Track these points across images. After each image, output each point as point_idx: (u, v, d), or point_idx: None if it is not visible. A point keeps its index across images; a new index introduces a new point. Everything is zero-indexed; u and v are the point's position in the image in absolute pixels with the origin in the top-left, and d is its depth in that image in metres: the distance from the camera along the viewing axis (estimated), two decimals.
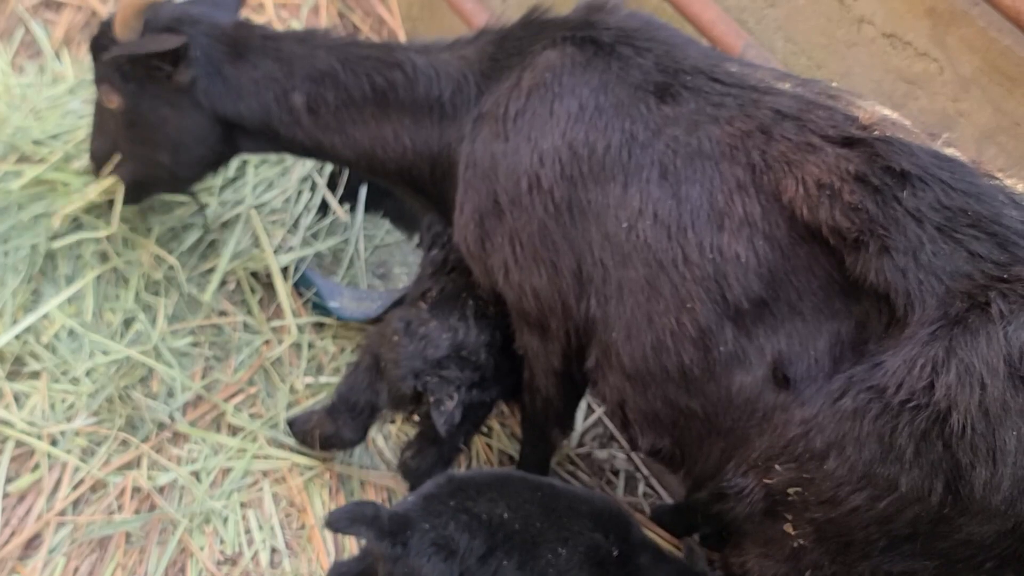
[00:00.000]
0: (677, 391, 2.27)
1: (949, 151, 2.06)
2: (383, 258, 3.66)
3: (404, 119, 2.71)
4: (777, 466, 2.10)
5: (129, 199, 3.13)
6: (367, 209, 3.66)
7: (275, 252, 3.40)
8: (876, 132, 2.08)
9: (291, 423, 3.04)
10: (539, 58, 2.49)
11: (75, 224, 3.28)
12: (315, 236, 3.54)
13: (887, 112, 2.17)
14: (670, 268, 2.21)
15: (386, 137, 2.74)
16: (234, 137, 2.92)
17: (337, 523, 2.34)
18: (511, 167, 2.44)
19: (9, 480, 2.97)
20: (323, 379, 3.27)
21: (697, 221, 2.19)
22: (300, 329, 3.33)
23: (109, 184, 3.09)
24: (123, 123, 2.92)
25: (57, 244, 3.20)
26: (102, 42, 2.85)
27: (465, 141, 2.58)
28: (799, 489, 2.06)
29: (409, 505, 2.45)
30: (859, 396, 1.96)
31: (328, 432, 2.88)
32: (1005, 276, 1.90)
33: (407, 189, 2.88)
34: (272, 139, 2.89)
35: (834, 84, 2.74)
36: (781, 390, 2.12)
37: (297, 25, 4.15)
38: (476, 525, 2.41)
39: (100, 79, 2.89)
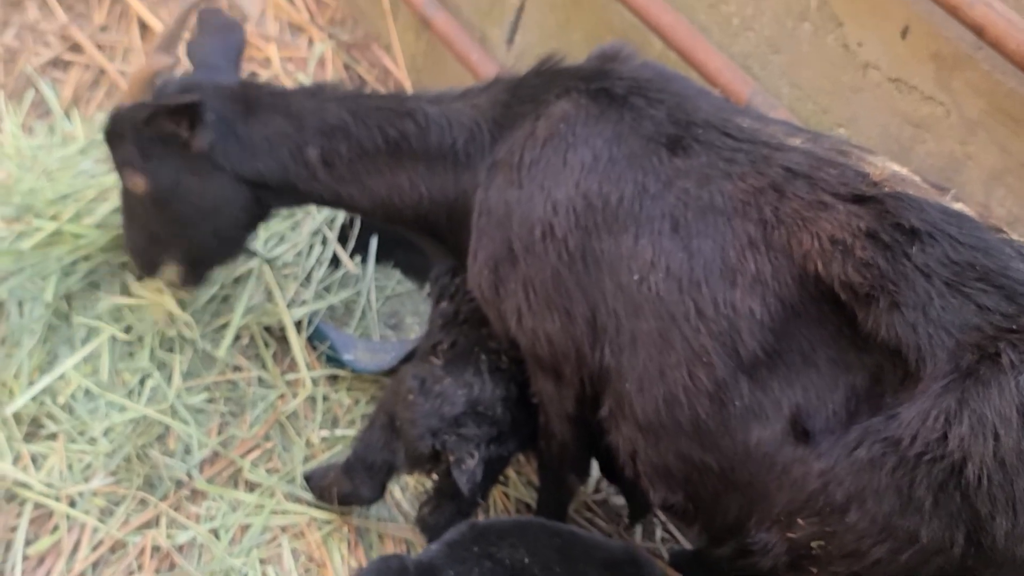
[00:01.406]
0: (690, 445, 2.27)
1: (957, 206, 2.09)
2: (395, 308, 3.67)
3: (418, 167, 2.72)
4: (800, 520, 2.10)
5: (188, 282, 3.16)
6: (378, 260, 3.68)
7: (288, 306, 3.41)
8: (886, 189, 2.10)
9: (308, 478, 3.04)
10: (553, 108, 2.52)
11: (90, 282, 3.30)
12: (327, 289, 3.56)
13: (897, 167, 2.20)
14: (682, 322, 2.22)
15: (402, 185, 2.75)
16: (261, 195, 2.93)
17: None
18: (525, 215, 2.46)
19: (28, 543, 2.97)
20: (339, 432, 3.27)
21: (710, 276, 2.20)
22: (314, 382, 3.34)
23: (162, 280, 3.16)
24: (152, 205, 2.93)
25: (78, 320, 3.25)
26: (116, 130, 2.88)
27: (479, 189, 2.60)
28: (822, 542, 2.07)
29: (434, 553, 2.47)
30: (874, 447, 1.97)
31: (345, 490, 2.88)
32: (1014, 327, 1.92)
33: (426, 237, 2.90)
34: (295, 193, 2.91)
35: (842, 131, 2.78)
36: (800, 443, 2.12)
37: (304, 78, 4.19)
38: (499, 570, 2.42)
39: (121, 164, 2.92)
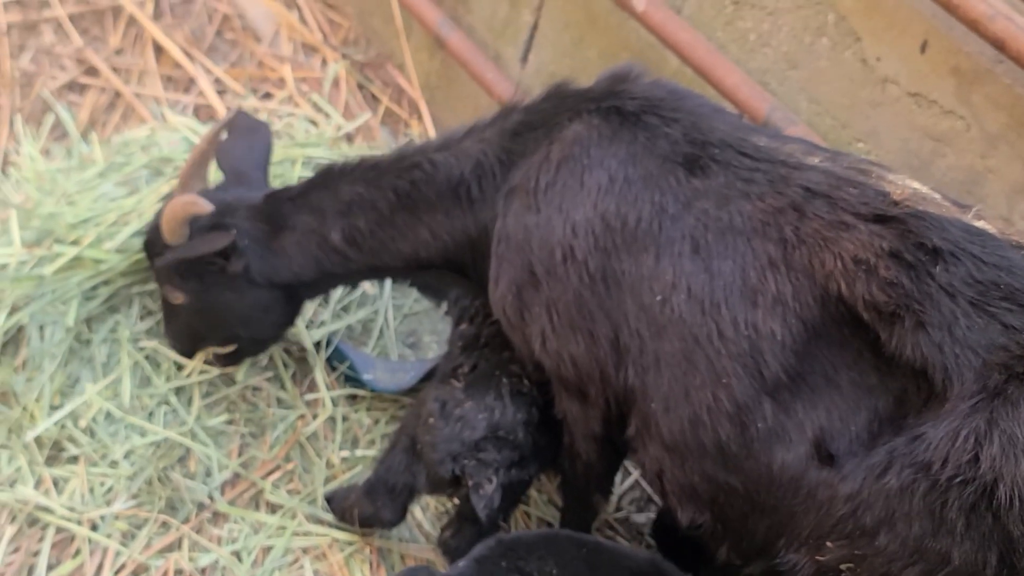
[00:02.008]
0: (715, 467, 2.26)
1: (979, 224, 2.08)
2: (413, 327, 3.68)
3: (436, 216, 2.75)
4: (829, 543, 2.09)
5: (227, 364, 3.27)
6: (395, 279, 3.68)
7: (307, 326, 3.42)
8: (908, 208, 2.10)
9: (329, 499, 3.04)
10: (566, 131, 2.51)
11: (110, 306, 3.30)
12: (345, 309, 3.57)
13: (917, 186, 2.19)
14: (705, 343, 2.22)
15: (424, 239, 2.78)
16: (296, 293, 3.05)
17: None
18: (544, 238, 2.46)
19: (51, 567, 2.97)
20: (359, 452, 3.26)
21: (730, 297, 2.20)
22: (334, 402, 3.34)
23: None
24: (192, 314, 3.06)
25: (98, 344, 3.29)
26: (155, 248, 2.99)
27: (498, 217, 2.61)
28: (852, 565, 2.06)
29: (462, 569, 2.47)
30: (904, 472, 1.96)
31: (367, 513, 2.87)
32: None
33: (455, 277, 2.93)
34: (332, 279, 3.03)
35: (861, 146, 2.78)
36: (824, 466, 2.11)
37: (318, 99, 4.20)
38: None
39: (161, 281, 3.04)
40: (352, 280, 3.12)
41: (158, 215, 2.99)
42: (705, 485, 2.30)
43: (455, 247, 2.77)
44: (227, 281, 2.93)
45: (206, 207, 2.85)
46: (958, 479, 1.89)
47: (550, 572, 2.45)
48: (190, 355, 3.27)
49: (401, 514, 2.88)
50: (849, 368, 2.12)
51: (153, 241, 3.01)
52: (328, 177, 2.89)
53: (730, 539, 2.38)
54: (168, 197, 3.04)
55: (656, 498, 3.29)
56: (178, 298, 3.01)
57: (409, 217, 2.77)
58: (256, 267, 2.91)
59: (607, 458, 2.73)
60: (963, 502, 1.89)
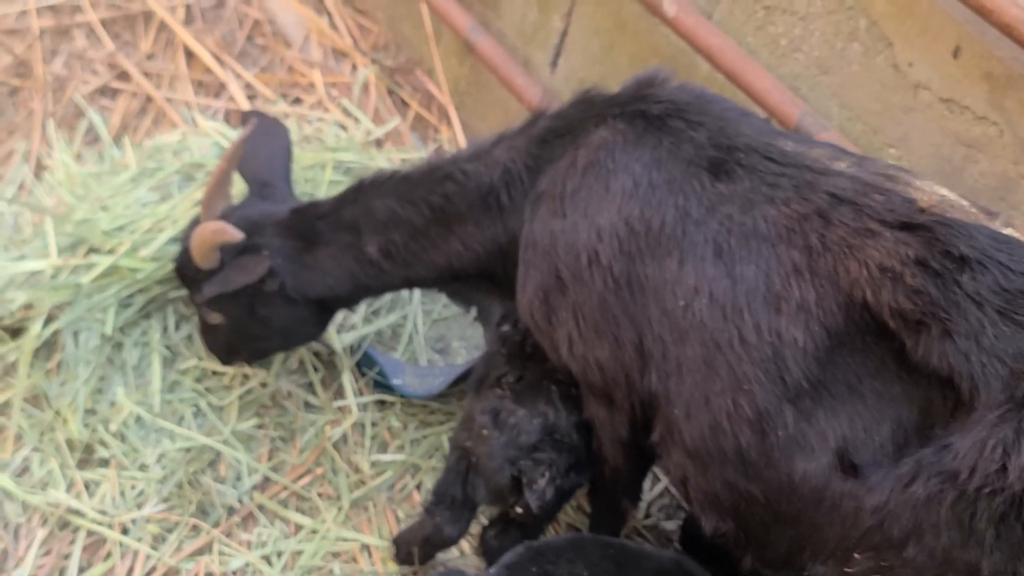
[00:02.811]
0: (736, 474, 2.25)
1: (1007, 231, 2.06)
2: (441, 332, 3.68)
3: (467, 226, 2.76)
4: (856, 555, 2.08)
5: (253, 362, 3.36)
6: None
7: (337, 331, 3.43)
8: (935, 215, 2.08)
9: (396, 543, 2.98)
10: (592, 136, 2.52)
11: (143, 312, 3.33)
12: (375, 314, 3.57)
13: (945, 192, 2.17)
14: (726, 349, 2.21)
15: (457, 250, 2.80)
16: (330, 305, 3.09)
17: None
18: (570, 243, 2.46)
19: (82, 570, 3.00)
20: (388, 456, 3.27)
21: (753, 303, 2.19)
22: (363, 407, 3.35)
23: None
24: (228, 331, 3.10)
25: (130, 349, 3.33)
26: (188, 273, 3.03)
27: (525, 223, 2.61)
28: None
29: (494, 574, 2.48)
30: (931, 482, 1.94)
31: (428, 532, 2.83)
32: None
33: (488, 285, 2.94)
34: (366, 292, 3.05)
35: (893, 152, 2.76)
36: (848, 477, 2.09)
37: (348, 104, 4.21)
38: None
39: (196, 303, 3.08)
40: (385, 291, 3.14)
41: (186, 239, 3.01)
42: (727, 493, 2.29)
43: (487, 256, 2.78)
44: (263, 299, 2.96)
45: (236, 235, 2.86)
46: (986, 489, 1.87)
47: (579, 575, 2.45)
48: (229, 364, 3.32)
49: (462, 529, 2.84)
50: (873, 377, 2.11)
51: (185, 266, 3.03)
52: (359, 193, 2.91)
53: (753, 548, 2.37)
54: (196, 218, 3.05)
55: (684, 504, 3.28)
56: (214, 319, 3.06)
57: (442, 229, 2.79)
58: (291, 284, 2.94)
59: (634, 463, 2.72)
60: (992, 512, 1.88)
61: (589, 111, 2.59)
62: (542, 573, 2.45)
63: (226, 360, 3.27)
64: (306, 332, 3.16)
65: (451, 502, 2.79)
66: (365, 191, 2.90)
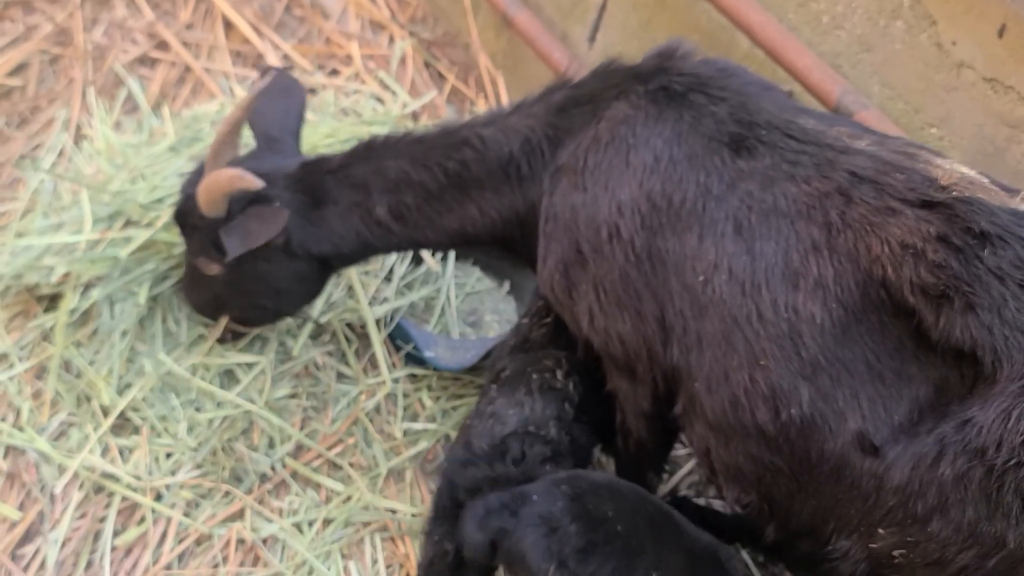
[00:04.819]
0: (758, 447, 2.25)
1: None
2: (474, 306, 3.68)
3: (485, 193, 2.74)
4: (880, 530, 2.08)
5: (238, 334, 3.34)
6: (457, 257, 3.69)
7: (370, 303, 3.44)
8: (955, 193, 2.07)
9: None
10: (613, 110, 2.51)
11: (178, 283, 3.35)
12: (408, 287, 3.58)
13: (965, 170, 2.15)
14: (744, 324, 2.21)
15: (473, 216, 2.78)
16: (330, 264, 3.02)
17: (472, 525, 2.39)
18: (591, 217, 2.47)
19: (116, 534, 3.04)
20: (419, 425, 3.29)
21: (772, 279, 2.19)
22: (395, 380, 3.36)
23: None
24: (223, 284, 3.02)
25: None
26: (189, 219, 2.94)
27: (544, 195, 2.61)
28: (904, 551, 2.05)
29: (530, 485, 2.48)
30: (959, 462, 1.94)
31: (430, 555, 2.72)
32: None
33: (504, 252, 2.94)
34: (371, 251, 2.99)
35: (934, 131, 2.73)
36: (868, 455, 2.09)
37: (385, 76, 4.21)
38: (580, 511, 2.38)
39: (195, 253, 2.99)
40: (390, 251, 3.07)
41: (190, 185, 2.93)
42: (750, 465, 2.30)
43: (503, 224, 2.77)
44: (265, 252, 2.85)
45: (255, 183, 2.75)
46: (1013, 461, 1.88)
47: (605, 512, 2.40)
48: (213, 319, 3.28)
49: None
50: (890, 356, 2.10)
51: (187, 212, 2.94)
52: (371, 150, 2.86)
53: (777, 519, 2.36)
54: (200, 166, 2.96)
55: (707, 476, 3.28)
56: (212, 270, 2.98)
57: (458, 194, 2.77)
58: (296, 238, 2.87)
59: (658, 435, 2.73)
60: (1019, 484, 1.88)
61: (610, 82, 2.59)
62: (572, 495, 2.42)
63: (212, 315, 3.24)
64: (303, 291, 3.07)
65: (444, 513, 2.71)
66: (376, 149, 2.85)
